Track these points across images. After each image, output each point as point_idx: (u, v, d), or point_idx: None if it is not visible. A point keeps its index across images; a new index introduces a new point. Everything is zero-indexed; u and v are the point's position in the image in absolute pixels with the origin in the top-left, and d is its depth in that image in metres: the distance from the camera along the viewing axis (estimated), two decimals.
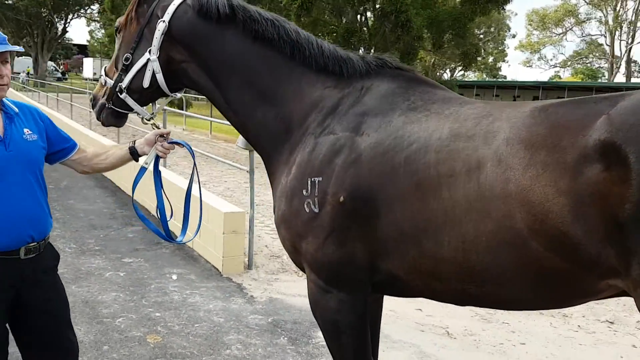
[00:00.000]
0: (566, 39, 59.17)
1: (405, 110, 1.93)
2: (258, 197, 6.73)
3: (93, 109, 2.40)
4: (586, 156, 1.46)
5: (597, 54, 59.97)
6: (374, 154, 1.87)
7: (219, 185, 9.23)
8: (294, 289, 4.84)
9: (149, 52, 2.19)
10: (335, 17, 15.60)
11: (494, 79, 55.10)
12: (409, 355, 3.70)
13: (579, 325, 4.30)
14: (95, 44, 61.34)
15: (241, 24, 2.15)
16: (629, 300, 3.71)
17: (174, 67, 2.23)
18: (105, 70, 2.35)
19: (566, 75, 69.61)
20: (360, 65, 2.10)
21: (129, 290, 4.54)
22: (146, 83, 2.22)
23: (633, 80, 53.61)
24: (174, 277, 4.93)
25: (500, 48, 64.83)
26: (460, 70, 46.78)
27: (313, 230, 1.95)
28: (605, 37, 54.84)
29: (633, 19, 51.31)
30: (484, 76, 60.89)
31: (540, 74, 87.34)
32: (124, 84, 2.24)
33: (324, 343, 3.74)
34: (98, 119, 2.39)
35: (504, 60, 68.16)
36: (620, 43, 53.05)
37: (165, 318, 4.06)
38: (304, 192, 1.97)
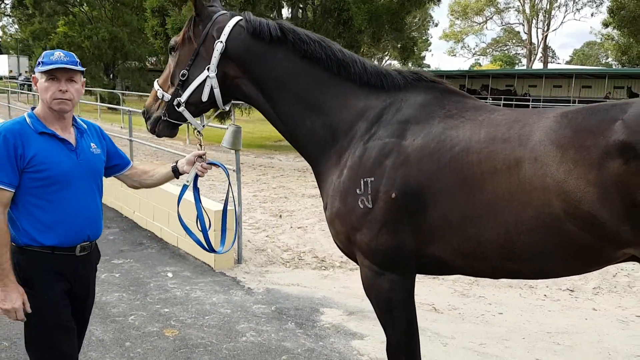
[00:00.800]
0: (487, 27, 61.83)
1: (443, 117, 2.28)
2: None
3: (147, 122, 2.62)
4: (609, 153, 1.87)
5: (514, 41, 63.06)
6: (421, 156, 2.20)
7: (201, 185, 9.32)
8: (286, 279, 5.15)
9: (207, 69, 2.45)
10: (273, 13, 15.83)
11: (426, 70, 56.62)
12: None
13: (545, 295, 4.90)
14: (9, 40, 57.86)
15: (291, 45, 2.44)
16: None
17: (229, 82, 2.50)
18: (158, 84, 2.58)
19: (485, 63, 72.93)
20: (399, 79, 2.42)
21: (130, 290, 4.69)
22: (205, 97, 2.48)
23: (549, 66, 56.93)
24: (170, 274, 5.11)
25: (424, 38, 66.58)
26: (388, 61, 48.35)
27: (367, 223, 2.27)
28: (523, 25, 57.83)
29: (548, 7, 54.48)
30: (410, 65, 62.87)
31: (463, 62, 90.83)
32: (183, 98, 2.49)
33: (329, 325, 4.14)
34: (152, 131, 2.61)
35: (427, 50, 70.53)
36: (537, 31, 56.11)
37: (175, 313, 4.27)
38: (357, 191, 2.28)
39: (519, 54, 70.26)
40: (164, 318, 4.18)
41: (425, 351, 3.42)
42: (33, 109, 2.36)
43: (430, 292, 4.88)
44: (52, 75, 2.22)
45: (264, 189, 9.17)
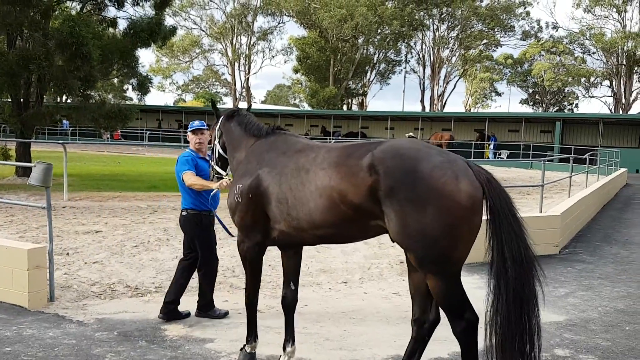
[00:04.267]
0: (193, 66, 64.45)
1: (281, 151, 3.91)
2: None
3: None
4: (362, 169, 3.30)
5: (213, 80, 67.04)
6: (266, 173, 3.82)
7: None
8: (109, 309, 5.34)
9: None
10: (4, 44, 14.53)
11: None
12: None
13: (329, 288, 6.29)
14: None
15: (234, 119, 4.43)
16: (351, 268, 5.79)
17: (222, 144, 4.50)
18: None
19: (189, 99, 75.93)
20: (265, 129, 4.22)
21: None
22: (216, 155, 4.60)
23: (254, 106, 62.61)
24: None
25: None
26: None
27: (238, 210, 3.93)
28: (227, 67, 62.30)
29: (247, 52, 60.09)
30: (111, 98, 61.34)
31: (171, 98, 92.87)
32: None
33: (178, 337, 4.68)
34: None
35: (130, 83, 70.10)
36: (239, 73, 61.09)
37: (20, 350, 4.18)
38: (235, 192, 3.95)
39: (219, 92, 75.02)
40: (10, 356, 4.07)
41: (265, 340, 4.39)
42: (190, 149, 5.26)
43: None
44: (194, 132, 5.22)
45: (26, 230, 8.56)
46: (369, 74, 56.97)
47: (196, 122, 5.29)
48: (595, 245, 9.45)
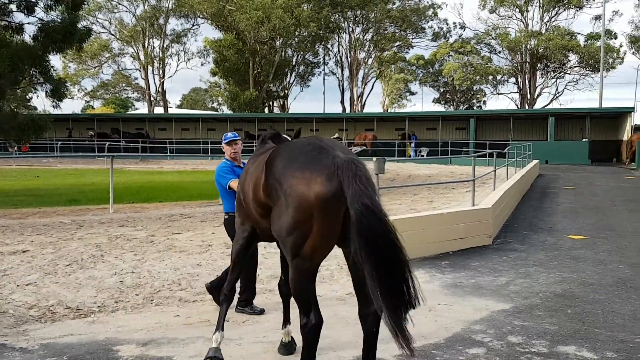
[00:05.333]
0: (102, 71, 61.52)
1: (265, 150, 4.17)
2: None
3: None
4: (262, 168, 3.67)
5: (124, 85, 64.49)
6: (253, 169, 4.01)
7: None
8: (53, 333, 4.95)
9: None
10: None
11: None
12: None
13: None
14: None
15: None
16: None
17: None
18: None
19: (98, 106, 72.74)
20: (266, 135, 4.74)
21: None
22: None
23: (170, 111, 60.91)
24: None
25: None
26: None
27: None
28: (140, 71, 60.08)
29: (161, 55, 58.28)
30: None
31: (79, 105, 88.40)
32: None
33: (133, 357, 4.41)
34: None
35: (33, 91, 66.15)
36: (154, 77, 59.11)
37: None
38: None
39: (130, 97, 72.39)
40: None
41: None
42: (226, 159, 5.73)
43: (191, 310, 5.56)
44: (229, 144, 5.68)
45: None
46: (289, 76, 57.14)
47: (229, 134, 5.84)
48: (523, 234, 9.99)
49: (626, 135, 33.09)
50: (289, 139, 4.77)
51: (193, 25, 57.51)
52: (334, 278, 6.85)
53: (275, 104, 59.18)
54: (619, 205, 13.95)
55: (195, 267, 7.28)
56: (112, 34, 57.87)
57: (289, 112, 56.24)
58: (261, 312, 5.58)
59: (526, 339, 4.78)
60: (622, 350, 4.49)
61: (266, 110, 55.49)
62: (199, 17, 54.97)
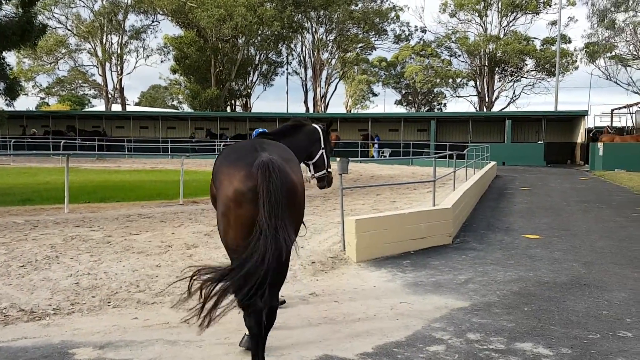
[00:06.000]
0: (58, 67, 59.58)
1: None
2: None
3: None
4: None
5: (80, 82, 62.66)
6: None
7: None
8: (4, 337, 4.75)
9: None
10: None
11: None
12: None
13: None
14: None
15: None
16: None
17: None
18: None
19: (53, 103, 70.60)
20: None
21: None
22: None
23: (128, 108, 59.53)
24: None
25: None
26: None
27: None
28: (97, 67, 58.43)
29: (119, 52, 56.90)
30: None
31: (34, 102, 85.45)
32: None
33: (84, 359, 4.27)
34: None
35: None
36: (111, 74, 57.57)
37: None
38: None
39: (87, 94, 70.41)
40: None
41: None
42: None
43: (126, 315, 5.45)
44: None
45: None
46: (251, 75, 56.77)
47: (260, 130, 5.74)
48: (481, 233, 10.21)
49: (580, 138, 34.25)
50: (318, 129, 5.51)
51: (153, 22, 56.41)
52: (297, 278, 6.83)
53: (237, 103, 58.69)
54: (573, 206, 14.42)
55: (154, 268, 7.14)
56: (69, 30, 56.21)
57: (252, 111, 55.89)
58: (282, 302, 5.54)
59: (484, 336, 4.88)
60: (577, 346, 4.63)
61: (228, 109, 54.98)
62: (159, 13, 53.99)
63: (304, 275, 6.96)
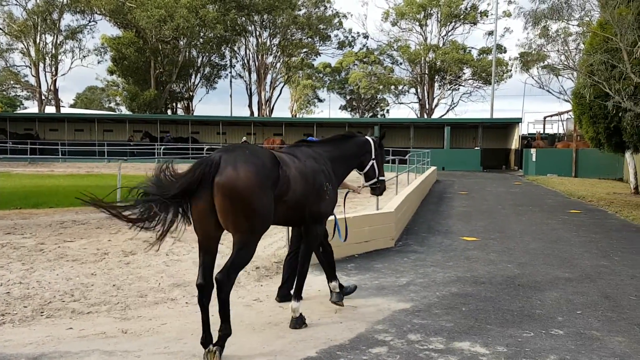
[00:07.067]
0: None
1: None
2: None
3: None
4: None
5: (12, 82, 59.76)
6: None
7: None
8: None
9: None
10: None
11: None
12: None
13: (186, 302, 6.00)
14: None
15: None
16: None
17: None
18: None
19: None
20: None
21: None
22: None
23: (63, 110, 57.13)
24: None
25: None
26: None
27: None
28: (31, 68, 55.83)
29: (54, 52, 54.58)
30: None
31: None
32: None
33: None
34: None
35: None
36: (45, 74, 55.11)
37: None
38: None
39: (19, 95, 67.25)
40: None
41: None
42: None
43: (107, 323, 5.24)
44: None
45: None
46: (193, 77, 55.80)
47: (310, 138, 6.28)
48: (422, 236, 10.45)
49: (514, 144, 35.72)
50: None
51: (90, 22, 54.45)
52: (241, 284, 6.74)
53: (179, 106, 57.52)
54: (507, 209, 15.02)
55: (90, 276, 6.87)
56: (0, 28, 53.43)
57: (194, 114, 54.90)
58: (355, 288, 6.26)
59: (424, 337, 4.98)
60: (511, 344, 4.81)
61: (169, 112, 53.80)
62: (96, 13, 52.18)
63: (248, 281, 6.89)
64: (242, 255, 4.41)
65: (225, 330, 4.52)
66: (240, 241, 4.35)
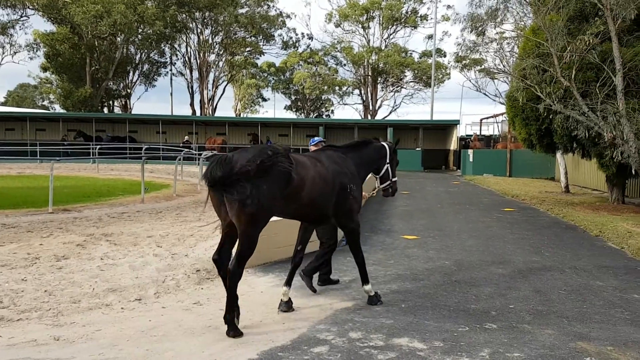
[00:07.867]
0: None
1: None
2: None
3: None
4: None
5: None
6: None
7: None
8: None
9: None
10: None
11: None
12: None
13: (122, 308, 5.82)
14: None
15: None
16: (143, 283, 5.16)
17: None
18: None
19: None
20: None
21: None
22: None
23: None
24: None
25: None
26: None
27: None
28: None
29: None
30: None
31: None
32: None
33: None
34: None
35: None
36: None
37: None
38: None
39: None
40: None
41: None
42: None
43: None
44: (316, 145, 6.79)
45: None
46: (131, 74, 54.13)
47: (316, 138, 6.97)
48: (365, 236, 10.57)
49: (453, 145, 36.79)
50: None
51: (22, 17, 51.80)
52: (180, 287, 6.60)
53: (116, 104, 55.66)
54: (446, 208, 15.46)
55: (20, 282, 6.54)
56: None
57: (132, 112, 53.31)
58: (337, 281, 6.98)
59: (365, 334, 5.05)
60: (448, 339, 4.95)
61: (106, 110, 52.01)
62: (28, 7, 49.70)
63: (188, 284, 6.75)
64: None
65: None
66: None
